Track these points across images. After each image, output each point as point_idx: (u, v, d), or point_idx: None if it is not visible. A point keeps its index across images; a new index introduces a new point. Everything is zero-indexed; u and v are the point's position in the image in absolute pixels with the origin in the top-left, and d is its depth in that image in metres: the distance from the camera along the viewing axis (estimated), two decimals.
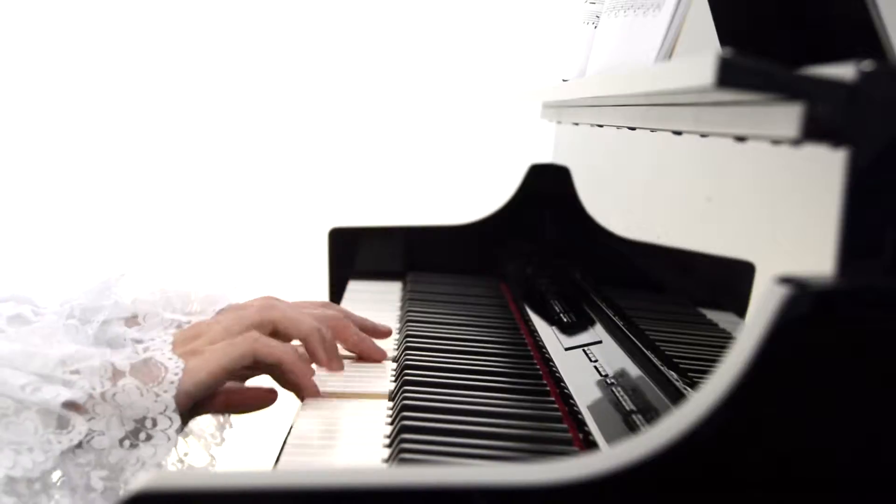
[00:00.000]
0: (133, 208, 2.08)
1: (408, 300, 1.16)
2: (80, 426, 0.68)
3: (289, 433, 0.73)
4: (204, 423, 0.86)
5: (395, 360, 0.92)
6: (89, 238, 2.06)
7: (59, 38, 2.03)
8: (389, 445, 0.70)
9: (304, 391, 0.78)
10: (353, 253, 1.37)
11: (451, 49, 2.04)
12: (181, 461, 0.82)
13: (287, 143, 2.08)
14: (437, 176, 2.06)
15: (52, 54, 2.04)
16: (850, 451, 0.47)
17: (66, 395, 0.68)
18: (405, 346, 0.93)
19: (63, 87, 2.04)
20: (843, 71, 0.47)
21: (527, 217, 1.38)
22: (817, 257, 0.50)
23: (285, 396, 0.82)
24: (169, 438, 0.71)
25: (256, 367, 0.78)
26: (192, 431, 0.85)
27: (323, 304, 0.94)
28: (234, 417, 0.87)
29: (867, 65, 0.47)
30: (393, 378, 0.86)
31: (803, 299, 0.45)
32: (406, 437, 0.68)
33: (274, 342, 0.77)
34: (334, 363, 0.84)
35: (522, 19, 2.02)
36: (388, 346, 0.96)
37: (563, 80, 1.11)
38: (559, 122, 1.37)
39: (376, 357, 0.91)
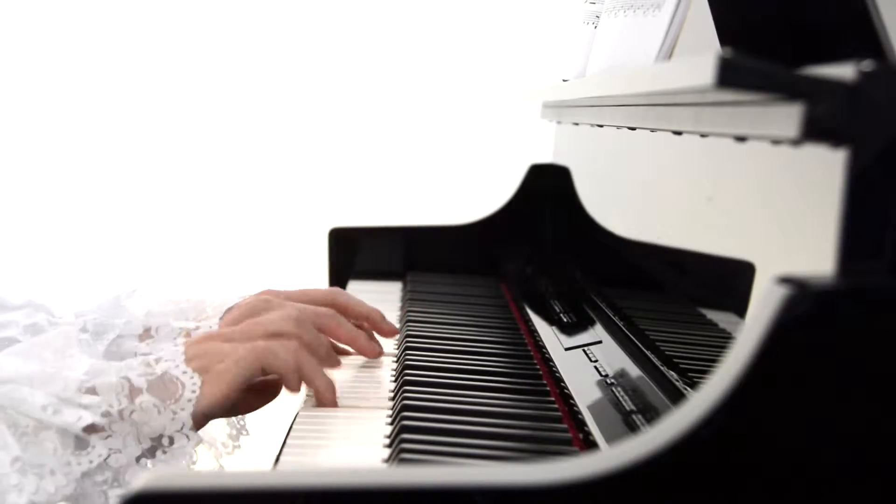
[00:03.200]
0: (134, 208, 2.08)
1: (408, 300, 1.16)
2: (99, 448, 0.68)
3: (288, 433, 0.73)
4: (217, 430, 0.85)
5: (395, 360, 0.92)
6: (90, 235, 2.06)
7: (83, 70, 2.04)
8: (389, 445, 0.70)
9: (318, 395, 0.77)
10: (353, 253, 1.37)
11: (451, 49, 2.04)
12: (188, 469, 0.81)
13: (287, 143, 2.09)
14: (437, 176, 2.06)
15: (72, 71, 2.04)
16: (849, 451, 0.47)
17: (87, 419, 0.68)
18: (405, 346, 0.93)
19: (67, 96, 2.06)
20: (843, 71, 0.47)
21: (527, 217, 1.38)
22: (817, 257, 0.50)
23: (284, 396, 0.82)
24: (185, 455, 0.71)
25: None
26: (202, 439, 0.84)
27: (326, 293, 0.89)
28: (249, 424, 0.86)
29: (867, 65, 0.47)
30: (393, 378, 0.86)
31: (803, 299, 0.45)
32: (406, 437, 0.68)
33: (279, 350, 0.74)
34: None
35: (522, 19, 2.02)
36: (389, 345, 0.96)
37: (563, 80, 1.11)
38: (559, 122, 1.37)
39: (368, 353, 0.89)
